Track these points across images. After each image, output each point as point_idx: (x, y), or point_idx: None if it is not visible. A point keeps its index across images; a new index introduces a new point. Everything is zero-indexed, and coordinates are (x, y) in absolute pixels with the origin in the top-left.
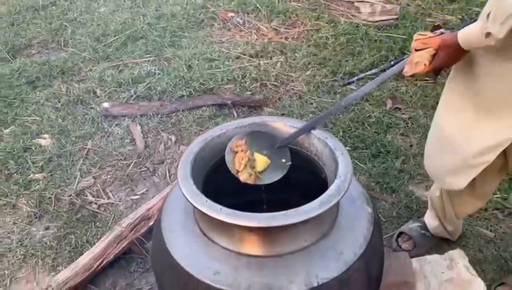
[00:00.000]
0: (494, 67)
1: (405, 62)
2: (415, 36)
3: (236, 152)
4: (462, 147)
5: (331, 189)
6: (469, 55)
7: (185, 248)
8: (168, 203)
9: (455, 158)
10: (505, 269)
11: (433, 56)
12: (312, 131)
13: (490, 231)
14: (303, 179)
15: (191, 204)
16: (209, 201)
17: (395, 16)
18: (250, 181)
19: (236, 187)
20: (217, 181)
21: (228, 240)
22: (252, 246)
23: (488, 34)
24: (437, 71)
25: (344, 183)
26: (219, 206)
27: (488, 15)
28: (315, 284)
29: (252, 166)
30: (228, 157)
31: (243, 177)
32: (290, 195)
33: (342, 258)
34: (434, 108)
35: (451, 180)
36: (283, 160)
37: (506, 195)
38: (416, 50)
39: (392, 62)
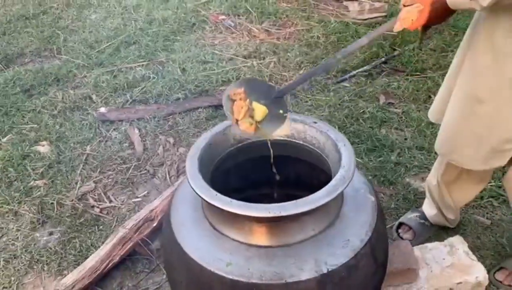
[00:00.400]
0: None
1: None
2: None
3: (234, 101)
4: (490, 136)
5: (336, 178)
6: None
7: (196, 242)
8: (176, 199)
9: (487, 146)
10: (503, 254)
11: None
12: (314, 125)
13: (487, 218)
14: (305, 173)
15: (202, 198)
16: (219, 194)
17: (384, 14)
18: (251, 131)
19: (239, 183)
20: (221, 177)
21: (238, 232)
22: (262, 237)
23: None
24: (424, 29)
25: (348, 172)
26: (229, 199)
27: None
28: (324, 271)
29: (250, 115)
30: (226, 106)
31: (244, 126)
32: (293, 190)
33: (349, 245)
34: (426, 101)
35: (493, 162)
36: (281, 111)
37: (500, 183)
38: (405, 6)
39: (383, 59)
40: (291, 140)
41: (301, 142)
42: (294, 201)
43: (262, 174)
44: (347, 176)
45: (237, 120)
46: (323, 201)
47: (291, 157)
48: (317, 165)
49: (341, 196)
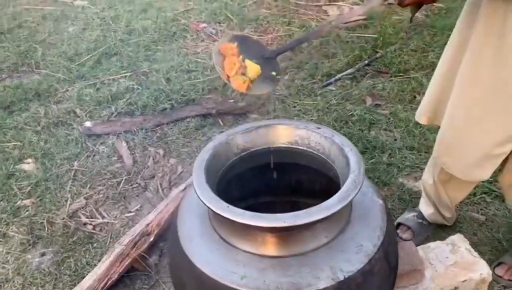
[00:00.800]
0: None
1: None
2: None
3: (224, 56)
4: (484, 140)
5: (347, 184)
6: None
7: (207, 256)
8: (181, 212)
9: (478, 152)
10: (500, 249)
11: None
12: (317, 130)
13: (481, 214)
14: (308, 180)
15: (213, 211)
16: (230, 206)
17: (363, 17)
18: (242, 89)
19: (242, 192)
20: (225, 187)
21: (251, 243)
22: (275, 247)
23: None
24: (417, 6)
25: (358, 177)
26: (241, 210)
27: None
28: (341, 278)
29: (242, 73)
30: (216, 59)
31: (236, 83)
32: (296, 197)
33: (362, 250)
34: (411, 102)
35: (478, 172)
36: (273, 73)
37: (491, 179)
38: None
39: (367, 61)
40: (295, 146)
41: (305, 148)
42: (307, 210)
43: (265, 182)
44: (358, 181)
45: (228, 77)
46: (337, 207)
47: (295, 164)
48: (322, 171)
49: (351, 201)
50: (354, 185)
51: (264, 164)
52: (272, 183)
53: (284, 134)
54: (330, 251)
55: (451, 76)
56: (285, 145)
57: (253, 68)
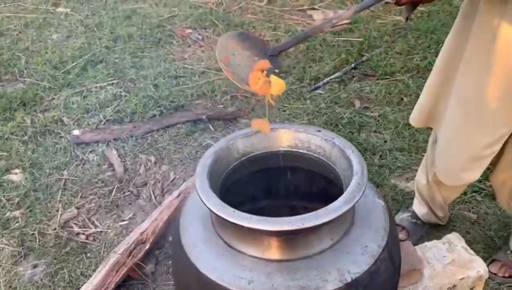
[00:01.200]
0: None
1: None
2: None
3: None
4: (472, 143)
5: (352, 186)
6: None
7: (213, 262)
8: (184, 220)
9: (465, 155)
10: (493, 246)
11: None
12: (318, 133)
13: (473, 213)
14: (308, 183)
15: (219, 216)
16: (236, 211)
17: (348, 21)
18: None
19: (242, 197)
20: (226, 192)
21: (256, 248)
22: (282, 251)
23: None
24: (412, 6)
25: (362, 178)
26: (248, 215)
27: None
28: (349, 280)
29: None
30: (220, 55)
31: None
32: (297, 201)
33: (368, 251)
34: (399, 104)
35: (465, 175)
36: (276, 71)
37: (481, 178)
38: None
39: (353, 65)
40: (295, 150)
41: (305, 152)
42: (314, 212)
43: (266, 186)
44: (362, 182)
45: (248, 85)
46: (343, 209)
47: (295, 168)
48: (322, 175)
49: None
50: (359, 187)
51: (265, 169)
52: (272, 187)
53: (284, 137)
54: (336, 253)
55: (446, 81)
56: (285, 149)
57: (277, 84)
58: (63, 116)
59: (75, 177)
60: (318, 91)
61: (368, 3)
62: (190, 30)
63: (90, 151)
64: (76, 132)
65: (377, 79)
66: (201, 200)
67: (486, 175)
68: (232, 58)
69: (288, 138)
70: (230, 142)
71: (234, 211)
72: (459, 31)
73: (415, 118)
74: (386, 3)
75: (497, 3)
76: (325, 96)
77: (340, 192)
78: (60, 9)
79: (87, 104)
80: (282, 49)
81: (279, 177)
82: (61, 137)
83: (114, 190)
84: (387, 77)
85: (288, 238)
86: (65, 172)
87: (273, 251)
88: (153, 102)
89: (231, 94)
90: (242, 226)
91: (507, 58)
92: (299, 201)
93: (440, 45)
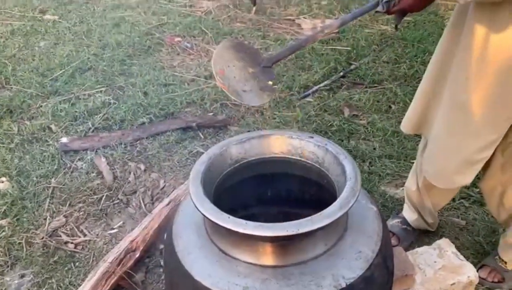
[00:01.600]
0: None
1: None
2: None
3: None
4: (464, 147)
5: (346, 191)
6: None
7: (207, 269)
8: (177, 227)
9: (458, 158)
10: (482, 252)
11: None
12: (310, 140)
13: (461, 219)
14: (301, 189)
15: (214, 223)
16: (231, 217)
17: (336, 30)
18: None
19: (235, 203)
20: (218, 198)
21: (251, 254)
22: (277, 257)
23: None
24: (401, 15)
25: (356, 184)
26: (243, 221)
27: None
28: (343, 285)
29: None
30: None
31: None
32: (290, 207)
33: (362, 256)
34: (387, 112)
35: (459, 178)
36: (270, 82)
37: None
38: None
39: (342, 73)
40: (288, 156)
41: (298, 158)
42: (309, 218)
43: (259, 192)
44: (356, 187)
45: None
46: (338, 215)
47: (288, 174)
48: (315, 181)
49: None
50: (353, 193)
51: (258, 175)
52: (265, 193)
53: (277, 144)
54: (331, 258)
55: (436, 88)
56: (278, 155)
57: None
58: (51, 124)
59: (63, 185)
60: (308, 99)
61: (361, 12)
62: (179, 38)
63: (79, 159)
64: (64, 139)
65: (366, 87)
66: (195, 206)
67: (474, 181)
68: (227, 70)
69: (281, 144)
70: (224, 148)
71: (229, 217)
72: (449, 38)
73: (406, 125)
74: (376, 12)
75: (487, 11)
76: (314, 104)
77: (333, 198)
78: (47, 16)
79: (76, 111)
80: (276, 60)
81: (272, 183)
82: (49, 145)
83: (103, 198)
84: (375, 85)
85: (282, 244)
86: (53, 180)
87: (268, 257)
88: (143, 110)
89: (221, 101)
90: (237, 232)
91: (495, 66)
92: (292, 207)
93: (427, 54)
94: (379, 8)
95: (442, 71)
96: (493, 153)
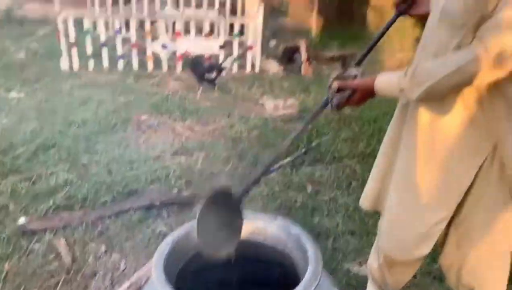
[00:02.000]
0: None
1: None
2: (334, 81)
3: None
4: (417, 221)
5: (308, 275)
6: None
7: None
8: None
9: (414, 231)
10: None
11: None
12: (274, 222)
13: None
14: (265, 271)
15: None
16: None
17: (297, 110)
18: None
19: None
20: (182, 282)
21: None
22: None
23: (402, 90)
24: (341, 107)
25: (317, 268)
26: None
27: (406, 72)
28: None
29: None
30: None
31: None
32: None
33: None
34: (348, 188)
35: (416, 251)
36: (239, 220)
37: (428, 260)
38: (337, 92)
39: (304, 150)
40: (252, 239)
41: (261, 241)
42: None
43: (224, 275)
44: (317, 272)
45: None
46: None
47: (253, 255)
48: (279, 262)
49: None
50: (314, 277)
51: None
52: (231, 276)
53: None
54: None
55: (388, 166)
56: (243, 239)
57: None
58: (9, 203)
59: (18, 269)
60: (272, 175)
61: (314, 115)
62: (145, 116)
63: (36, 241)
64: (22, 220)
65: (326, 164)
66: None
67: (435, 257)
68: (207, 235)
69: (246, 226)
70: (188, 230)
71: None
72: (398, 119)
73: (364, 202)
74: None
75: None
76: (278, 180)
77: (297, 279)
78: (12, 94)
79: (36, 190)
80: (244, 194)
81: (238, 265)
82: (5, 226)
83: (61, 282)
84: (336, 162)
85: None
86: (6, 264)
87: None
88: (106, 187)
89: (186, 179)
90: None
91: (439, 149)
92: (258, 289)
93: (382, 133)
94: (329, 107)
95: (393, 150)
96: (448, 230)
